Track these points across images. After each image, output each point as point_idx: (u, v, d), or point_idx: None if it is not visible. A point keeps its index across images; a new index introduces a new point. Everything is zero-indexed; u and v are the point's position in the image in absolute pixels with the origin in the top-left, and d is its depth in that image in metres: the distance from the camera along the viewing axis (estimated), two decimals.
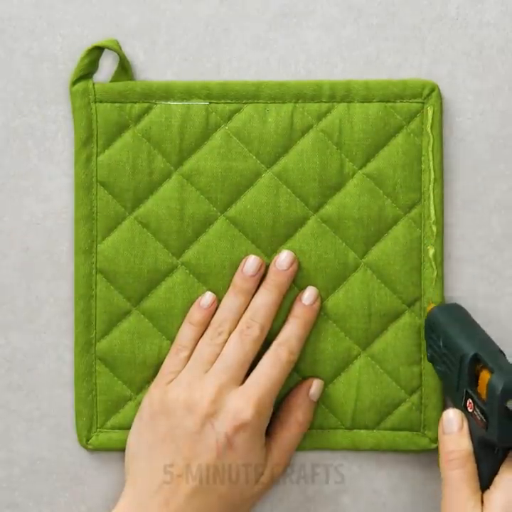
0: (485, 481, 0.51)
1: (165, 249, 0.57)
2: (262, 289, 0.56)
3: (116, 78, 0.57)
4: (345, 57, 0.59)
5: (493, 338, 0.59)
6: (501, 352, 0.53)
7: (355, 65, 0.59)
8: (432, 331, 0.55)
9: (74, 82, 0.57)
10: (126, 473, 0.56)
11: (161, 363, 0.57)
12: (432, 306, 0.57)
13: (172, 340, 0.57)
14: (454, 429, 0.53)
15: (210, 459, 0.53)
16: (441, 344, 0.54)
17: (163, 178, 0.57)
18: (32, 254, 0.59)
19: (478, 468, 0.51)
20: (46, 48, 0.59)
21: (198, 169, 0.57)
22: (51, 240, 0.59)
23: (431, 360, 0.56)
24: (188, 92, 0.57)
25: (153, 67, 0.59)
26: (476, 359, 0.51)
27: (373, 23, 0.59)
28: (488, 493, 0.51)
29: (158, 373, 0.57)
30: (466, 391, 0.52)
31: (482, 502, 0.50)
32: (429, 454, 0.60)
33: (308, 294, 0.57)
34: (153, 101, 0.57)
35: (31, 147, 0.59)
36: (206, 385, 0.54)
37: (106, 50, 0.58)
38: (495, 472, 0.51)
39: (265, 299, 0.56)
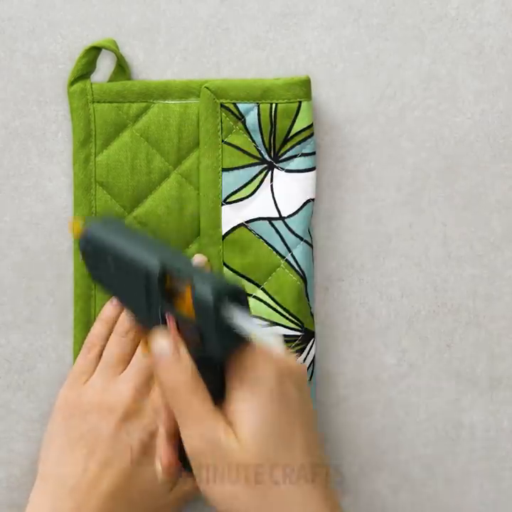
0: (216, 397, 0.45)
1: None
2: None
3: (114, 78, 0.57)
4: (345, 57, 0.59)
5: (493, 338, 0.59)
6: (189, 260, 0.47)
7: (355, 65, 0.59)
8: (95, 255, 0.48)
9: (72, 83, 0.57)
10: (38, 471, 0.54)
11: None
12: (80, 223, 0.50)
13: None
14: (169, 352, 0.45)
15: (124, 464, 0.52)
16: (112, 268, 0.47)
17: (162, 178, 0.57)
18: (32, 254, 0.59)
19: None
20: (46, 48, 0.59)
21: (197, 168, 0.57)
22: (51, 240, 0.59)
23: (99, 283, 0.50)
24: (185, 91, 0.57)
25: (153, 67, 0.59)
26: (164, 273, 0.45)
27: (373, 23, 0.59)
28: (230, 413, 0.45)
29: (70, 373, 0.56)
30: (162, 310, 0.45)
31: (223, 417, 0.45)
32: (429, 454, 0.61)
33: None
34: (151, 100, 0.57)
35: (31, 147, 0.59)
36: (121, 389, 0.53)
37: (104, 50, 0.58)
38: (221, 384, 0.46)
39: None
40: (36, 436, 0.60)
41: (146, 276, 0.45)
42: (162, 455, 0.48)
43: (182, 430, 0.45)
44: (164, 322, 0.45)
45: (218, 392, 0.45)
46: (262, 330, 0.43)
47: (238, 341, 0.44)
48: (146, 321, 0.46)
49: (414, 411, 0.60)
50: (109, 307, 0.57)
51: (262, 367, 0.45)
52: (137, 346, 0.55)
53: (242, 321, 0.43)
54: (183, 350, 0.45)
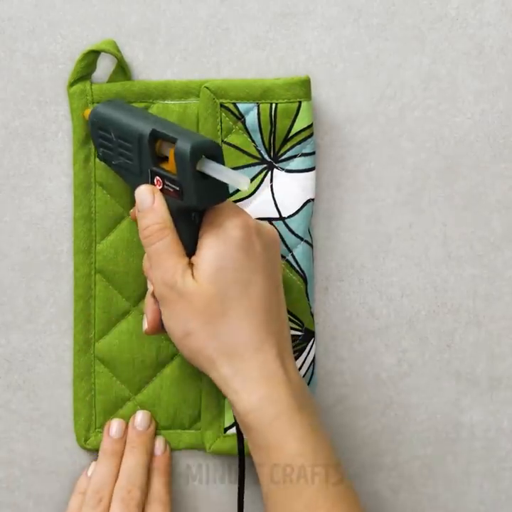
0: (189, 248, 0.50)
1: None
2: (127, 453, 0.57)
3: (113, 78, 0.57)
4: (345, 57, 0.59)
5: (493, 338, 0.59)
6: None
7: (355, 65, 0.59)
8: (99, 128, 0.54)
9: (71, 84, 0.57)
10: None
11: (160, 363, 0.57)
12: (91, 107, 0.56)
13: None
14: (147, 202, 0.51)
15: None
16: (113, 136, 0.53)
17: None
18: (32, 254, 0.59)
19: (181, 238, 0.51)
20: (46, 48, 0.59)
21: None
22: (51, 240, 0.59)
23: (103, 158, 0.54)
24: (185, 91, 0.57)
25: (153, 67, 0.59)
26: (155, 136, 0.51)
27: (373, 23, 0.59)
28: (195, 257, 0.50)
29: None
30: (151, 170, 0.51)
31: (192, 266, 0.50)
32: (429, 454, 0.61)
33: (159, 445, 0.58)
34: (151, 100, 0.57)
35: (31, 147, 0.59)
36: None
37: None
38: (196, 238, 0.51)
39: (134, 460, 0.56)
40: (36, 436, 0.60)
41: (139, 139, 0.51)
42: (148, 313, 0.53)
43: (153, 271, 0.50)
44: (153, 181, 0.51)
45: (194, 244, 0.51)
46: (233, 175, 0.48)
47: (214, 197, 0.50)
48: (139, 182, 0.52)
49: (414, 411, 0.60)
50: (85, 479, 0.57)
51: (231, 219, 0.50)
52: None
53: (214, 171, 0.48)
54: (159, 201, 0.51)
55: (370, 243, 0.60)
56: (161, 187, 0.51)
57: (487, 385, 0.60)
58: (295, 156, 0.56)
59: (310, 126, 0.56)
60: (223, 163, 0.49)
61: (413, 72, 0.59)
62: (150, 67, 0.59)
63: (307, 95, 0.56)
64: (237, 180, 0.48)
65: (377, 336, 0.60)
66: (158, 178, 0.51)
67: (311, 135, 0.56)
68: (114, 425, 0.58)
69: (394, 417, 0.60)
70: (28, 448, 0.60)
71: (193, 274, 0.49)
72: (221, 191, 0.50)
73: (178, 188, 0.50)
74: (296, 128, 0.56)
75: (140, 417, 0.58)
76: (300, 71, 0.59)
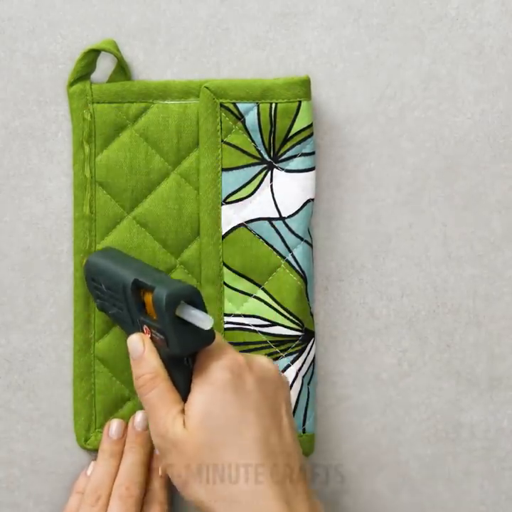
0: (185, 393, 0.50)
1: (163, 249, 0.57)
2: (127, 452, 0.57)
3: (114, 78, 0.57)
4: (345, 57, 0.59)
5: (493, 338, 0.59)
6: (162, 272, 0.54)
7: (355, 65, 0.59)
8: (92, 279, 0.55)
9: (71, 84, 0.57)
10: None
11: (159, 363, 0.57)
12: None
13: None
14: (138, 351, 0.51)
15: None
16: (103, 287, 0.54)
17: (161, 178, 0.57)
18: (32, 254, 0.59)
19: (176, 384, 0.51)
20: (46, 48, 0.59)
21: (196, 168, 0.57)
22: (51, 240, 0.59)
23: (101, 308, 0.55)
24: (185, 91, 0.57)
25: (153, 67, 0.59)
26: (137, 285, 0.51)
27: (373, 23, 0.59)
28: (186, 404, 0.49)
29: None
30: (139, 319, 0.51)
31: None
32: (429, 454, 0.60)
33: (138, 418, 0.57)
34: (151, 100, 0.57)
35: (31, 147, 0.59)
36: None
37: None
38: (190, 383, 0.50)
39: (133, 459, 0.56)
40: (36, 436, 0.59)
41: (123, 289, 0.52)
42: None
43: (150, 423, 0.50)
44: (143, 330, 0.51)
45: (189, 384, 0.50)
46: (201, 315, 0.48)
47: (198, 341, 0.49)
48: (132, 331, 0.52)
49: (414, 411, 0.60)
50: (83, 478, 0.57)
51: (217, 360, 0.49)
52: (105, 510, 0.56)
53: (195, 318, 0.48)
54: (149, 349, 0.51)
55: (370, 243, 0.59)
56: (150, 335, 0.51)
57: (487, 385, 0.60)
58: (295, 156, 0.56)
59: (310, 126, 0.56)
60: (203, 306, 0.50)
61: (413, 72, 0.59)
62: (150, 67, 0.59)
63: (307, 95, 0.56)
64: (205, 321, 0.48)
65: (377, 336, 0.60)
66: (146, 326, 0.51)
67: (311, 135, 0.56)
68: (114, 425, 0.58)
69: (394, 417, 0.60)
70: (28, 448, 0.60)
71: (184, 422, 0.48)
72: (206, 334, 0.49)
73: (162, 336, 0.49)
74: (296, 128, 0.56)
75: (139, 417, 0.57)
76: (300, 71, 0.59)
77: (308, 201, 0.57)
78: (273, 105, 0.56)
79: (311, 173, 0.57)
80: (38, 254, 0.59)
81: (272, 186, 0.57)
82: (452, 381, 0.60)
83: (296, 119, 0.56)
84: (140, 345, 0.51)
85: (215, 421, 0.48)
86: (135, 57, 0.59)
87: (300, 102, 0.56)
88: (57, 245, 0.59)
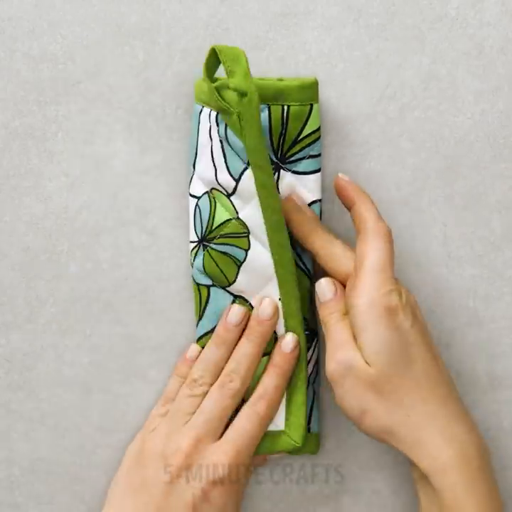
0: None
1: None
2: (244, 340, 0.56)
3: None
4: (345, 57, 0.59)
5: (493, 338, 0.59)
6: None
7: (355, 65, 0.59)
8: None
9: (212, 80, 0.55)
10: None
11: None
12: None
13: None
14: (327, 296, 0.55)
15: (186, 511, 0.53)
16: None
17: None
18: (32, 254, 0.59)
19: None
20: (46, 47, 0.59)
21: None
22: (51, 240, 0.59)
23: None
24: None
25: (153, 67, 0.59)
26: None
27: (373, 23, 0.59)
28: (364, 338, 0.53)
29: (144, 426, 0.58)
30: None
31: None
32: None
33: (288, 340, 0.56)
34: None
35: (31, 147, 0.59)
36: (183, 438, 0.55)
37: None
38: None
39: (248, 349, 0.56)
40: (36, 436, 0.60)
41: None
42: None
43: (326, 355, 0.53)
44: None
45: None
46: None
47: None
48: None
49: None
50: (184, 363, 0.58)
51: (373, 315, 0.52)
52: (202, 400, 0.56)
53: None
54: (339, 295, 0.55)
55: None
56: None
57: (487, 385, 0.60)
58: (302, 159, 0.56)
59: (318, 128, 0.56)
60: None
61: (413, 72, 0.59)
62: (150, 67, 0.59)
63: (316, 97, 0.56)
64: None
65: None
66: None
67: (318, 138, 0.56)
68: (234, 309, 0.57)
69: None
70: (28, 448, 0.60)
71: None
72: None
73: None
74: (306, 131, 0.56)
75: (266, 303, 0.57)
76: (300, 71, 0.59)
77: (314, 202, 0.57)
78: (285, 108, 0.55)
79: (318, 175, 0.57)
80: (38, 254, 0.59)
81: (278, 187, 0.57)
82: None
83: (307, 122, 0.56)
84: (331, 289, 0.55)
85: (388, 357, 0.52)
86: (135, 57, 0.59)
87: (311, 105, 0.56)
88: (58, 245, 0.59)
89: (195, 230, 0.57)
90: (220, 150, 0.55)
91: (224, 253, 0.56)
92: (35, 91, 0.59)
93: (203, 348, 0.57)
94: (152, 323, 0.60)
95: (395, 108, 0.59)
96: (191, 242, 0.58)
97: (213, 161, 0.55)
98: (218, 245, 0.56)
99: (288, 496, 0.60)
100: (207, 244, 0.57)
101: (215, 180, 0.56)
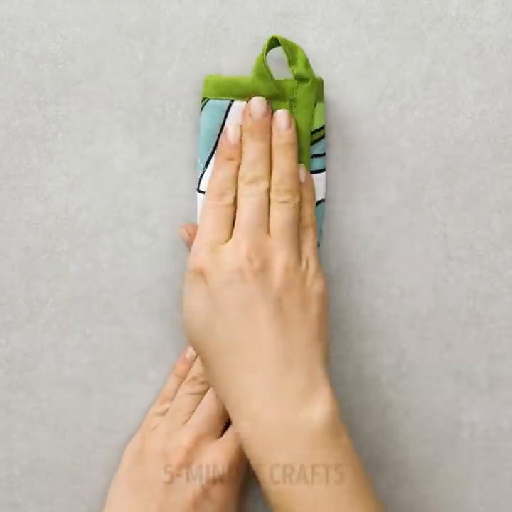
0: None
1: None
2: (246, 142, 0.55)
3: None
4: (345, 57, 0.59)
5: (492, 338, 0.59)
6: None
7: (355, 65, 0.59)
8: None
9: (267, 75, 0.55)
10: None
11: None
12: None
13: None
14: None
15: (187, 509, 0.53)
16: None
17: None
18: (32, 254, 0.59)
19: None
20: (46, 47, 0.59)
21: None
22: (51, 239, 0.59)
23: None
24: None
25: (153, 67, 0.59)
26: None
27: (373, 23, 0.59)
28: None
29: (143, 422, 0.58)
30: None
31: None
32: (430, 454, 0.61)
33: (257, 102, 0.55)
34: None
35: (31, 147, 0.59)
36: (183, 436, 0.55)
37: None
38: None
39: (256, 147, 0.55)
40: (36, 436, 0.60)
41: None
42: None
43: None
44: None
45: None
46: None
47: None
48: None
49: (414, 411, 0.60)
50: (182, 363, 0.58)
51: None
52: (202, 398, 0.56)
53: None
54: None
55: (370, 243, 0.60)
56: None
57: (487, 385, 0.60)
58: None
59: (322, 127, 0.56)
60: None
61: (413, 72, 0.59)
62: (150, 67, 0.59)
63: (321, 96, 0.56)
64: None
65: (377, 336, 0.60)
66: None
67: (323, 136, 0.56)
68: (231, 128, 0.56)
69: (394, 417, 0.60)
70: (28, 448, 0.60)
71: None
72: None
73: None
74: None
75: (254, 103, 0.55)
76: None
77: (319, 202, 0.57)
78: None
79: (322, 175, 0.57)
80: (38, 254, 0.59)
81: None
82: (452, 381, 0.60)
83: (312, 121, 0.56)
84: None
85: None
86: (135, 57, 0.59)
87: (315, 103, 0.56)
88: (57, 245, 0.59)
89: None
90: None
91: None
92: (35, 91, 0.59)
93: None
94: (152, 323, 0.60)
95: (395, 108, 0.59)
96: None
97: None
98: None
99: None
100: None
101: None
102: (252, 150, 0.54)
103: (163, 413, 0.57)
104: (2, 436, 0.60)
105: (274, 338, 0.50)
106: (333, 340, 0.59)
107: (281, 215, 0.53)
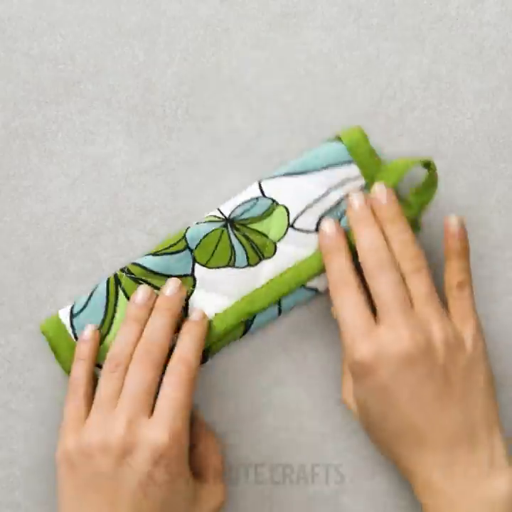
0: None
1: None
2: (155, 314, 0.56)
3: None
4: (346, 57, 0.59)
5: (492, 339, 0.59)
6: None
7: (355, 65, 0.59)
8: None
9: None
10: None
11: None
12: None
13: None
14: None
15: (138, 499, 0.52)
16: None
17: None
18: (32, 254, 0.59)
19: None
20: (46, 47, 0.59)
21: None
22: (51, 239, 0.59)
23: None
24: None
25: (153, 67, 0.59)
26: None
27: (373, 23, 0.59)
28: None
29: (63, 422, 0.55)
30: None
31: None
32: None
33: (196, 314, 0.56)
34: None
35: (31, 147, 0.59)
36: (115, 423, 0.53)
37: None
38: None
39: (160, 321, 0.55)
40: (36, 436, 0.60)
41: None
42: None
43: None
44: None
45: None
46: None
47: None
48: None
49: None
50: (83, 344, 0.57)
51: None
52: (124, 380, 0.54)
53: None
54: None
55: None
56: None
57: None
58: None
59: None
60: None
61: (413, 72, 0.59)
62: (150, 67, 0.59)
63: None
64: None
65: None
66: None
67: None
68: (140, 292, 0.56)
69: None
70: (28, 448, 0.60)
71: None
72: None
73: None
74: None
75: (171, 283, 0.56)
76: (300, 71, 0.59)
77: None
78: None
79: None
80: (38, 254, 0.59)
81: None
82: None
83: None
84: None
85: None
86: (135, 57, 0.59)
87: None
88: (57, 245, 0.59)
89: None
90: (325, 209, 0.57)
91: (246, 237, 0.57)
92: (35, 91, 0.59)
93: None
94: None
95: (395, 108, 0.59)
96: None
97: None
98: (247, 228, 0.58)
99: (288, 495, 0.60)
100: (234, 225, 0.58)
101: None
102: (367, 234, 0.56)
103: (81, 403, 0.55)
104: (2, 436, 0.60)
105: (446, 414, 0.52)
106: (333, 340, 0.60)
107: (420, 283, 0.54)
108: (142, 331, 0.55)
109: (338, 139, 0.56)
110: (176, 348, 0.55)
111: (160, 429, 0.52)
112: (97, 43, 0.59)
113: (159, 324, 0.55)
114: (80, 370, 0.56)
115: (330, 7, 0.59)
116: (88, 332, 0.56)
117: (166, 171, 0.60)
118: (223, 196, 0.60)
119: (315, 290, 0.57)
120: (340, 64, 0.59)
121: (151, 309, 0.56)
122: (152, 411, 0.53)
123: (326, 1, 0.59)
